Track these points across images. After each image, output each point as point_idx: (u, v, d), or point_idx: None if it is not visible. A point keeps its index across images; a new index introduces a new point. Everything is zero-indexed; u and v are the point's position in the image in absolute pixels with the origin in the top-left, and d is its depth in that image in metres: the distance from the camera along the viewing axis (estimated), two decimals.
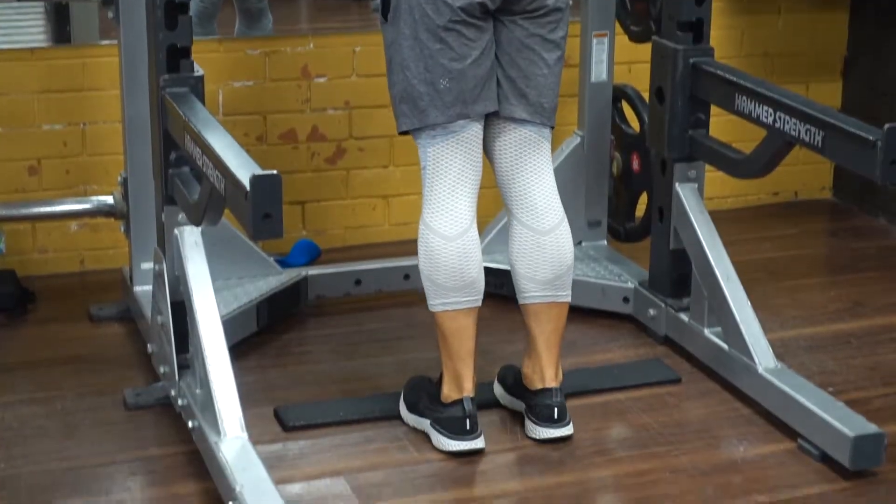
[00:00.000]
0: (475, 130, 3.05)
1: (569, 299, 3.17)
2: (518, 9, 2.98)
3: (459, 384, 3.08)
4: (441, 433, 3.09)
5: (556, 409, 3.13)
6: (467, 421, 3.07)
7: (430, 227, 3.05)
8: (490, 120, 3.09)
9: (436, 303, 3.07)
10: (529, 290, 3.14)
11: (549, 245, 3.12)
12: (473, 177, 3.07)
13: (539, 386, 3.15)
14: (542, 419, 3.13)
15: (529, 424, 3.16)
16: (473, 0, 2.90)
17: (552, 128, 3.14)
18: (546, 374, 3.14)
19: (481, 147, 3.09)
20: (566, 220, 3.15)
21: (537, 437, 3.14)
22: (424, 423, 3.15)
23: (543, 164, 3.15)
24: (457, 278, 3.04)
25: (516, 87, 3.05)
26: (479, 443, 3.07)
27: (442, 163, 3.04)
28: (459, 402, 3.07)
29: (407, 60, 2.97)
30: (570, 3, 3.07)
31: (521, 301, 3.17)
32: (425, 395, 3.18)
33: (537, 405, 3.15)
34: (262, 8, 4.44)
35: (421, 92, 2.98)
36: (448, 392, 3.09)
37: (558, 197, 3.16)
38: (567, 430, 3.14)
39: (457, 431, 3.07)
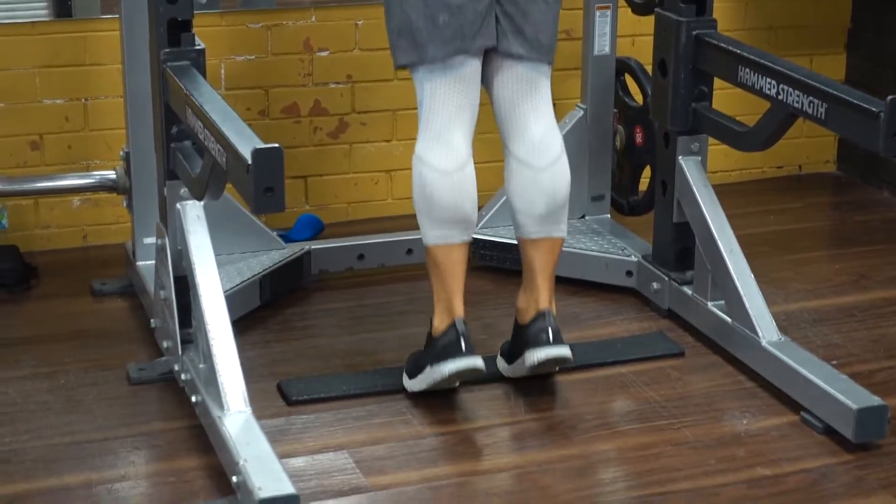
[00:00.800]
0: (474, 66, 3.06)
1: (564, 234, 3.19)
2: None
3: (450, 310, 3.08)
4: (436, 363, 3.06)
5: (550, 330, 3.12)
6: (462, 340, 3.04)
7: (425, 161, 3.06)
8: (489, 56, 3.09)
9: (430, 235, 3.08)
10: (526, 224, 3.16)
11: (545, 181, 3.14)
12: (471, 113, 3.09)
13: (533, 314, 3.14)
14: (538, 342, 3.11)
15: (526, 354, 3.12)
16: None
17: (550, 64, 3.14)
18: (541, 298, 3.14)
19: (479, 84, 3.10)
20: (565, 156, 3.17)
21: (534, 362, 3.11)
22: (425, 373, 3.12)
23: (541, 100, 3.16)
24: (452, 212, 3.05)
25: (514, 23, 3.05)
26: (477, 361, 3.04)
27: (439, 98, 3.05)
28: (451, 325, 3.06)
29: None
30: None
31: (517, 235, 3.20)
32: (422, 356, 3.18)
33: (532, 332, 3.12)
34: None
35: (419, 27, 2.99)
36: (439, 323, 3.09)
37: (558, 133, 3.18)
38: (563, 351, 3.11)
39: (452, 353, 3.04)
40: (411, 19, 3.00)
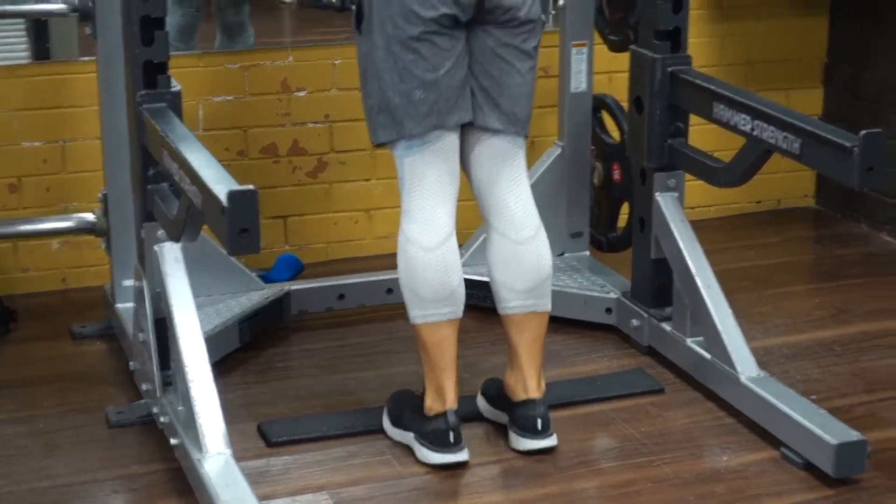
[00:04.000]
0: (451, 140, 3.05)
1: (549, 308, 3.17)
2: (490, 20, 2.97)
3: (442, 396, 3.08)
4: (425, 446, 3.09)
5: (539, 420, 3.13)
6: (451, 433, 3.07)
7: (410, 239, 3.05)
8: (465, 130, 3.08)
9: (416, 314, 3.06)
10: (509, 299, 3.14)
11: (528, 254, 3.12)
12: (451, 187, 3.07)
13: (522, 397, 3.15)
14: (526, 430, 3.14)
15: (513, 436, 3.16)
16: (444, 11, 2.90)
17: (526, 137, 3.14)
18: (529, 384, 3.14)
19: (458, 157, 3.09)
20: (543, 229, 3.16)
21: (521, 449, 3.14)
22: (408, 437, 3.15)
23: (519, 174, 3.15)
24: (437, 289, 3.04)
25: (490, 97, 3.05)
26: (462, 455, 3.07)
27: (419, 173, 3.04)
28: (443, 414, 3.07)
29: (381, 71, 2.98)
30: (543, 17, 3.07)
31: (501, 311, 3.17)
32: (408, 408, 3.18)
33: (520, 416, 3.15)
34: (242, 22, 4.43)
35: (396, 103, 2.98)
36: (431, 404, 3.09)
37: (535, 206, 3.16)
38: (551, 442, 3.15)
39: (440, 444, 3.07)
40: (388, 96, 2.99)
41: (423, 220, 3.05)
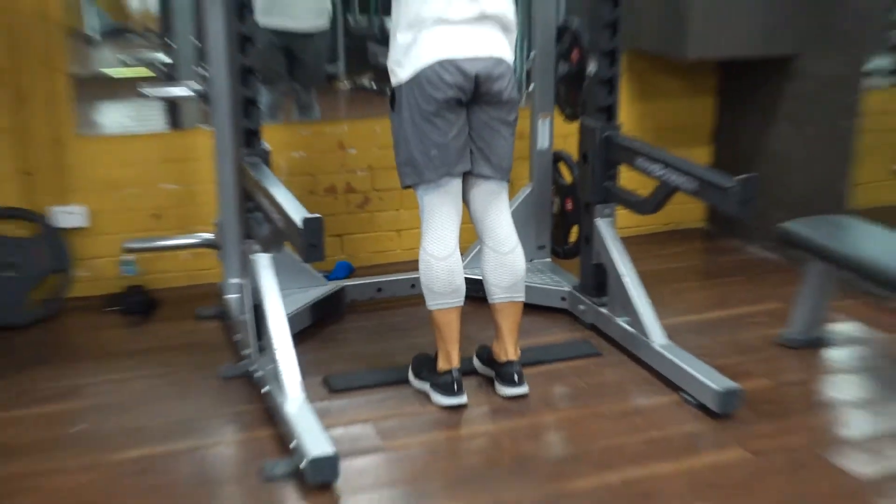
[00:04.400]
0: (456, 184, 3.05)
1: (523, 299, 3.17)
2: (483, 100, 2.97)
3: (449, 359, 3.08)
4: (437, 393, 3.10)
5: (516, 375, 3.14)
6: (455, 384, 3.07)
7: (427, 251, 3.05)
8: (466, 176, 3.08)
9: (432, 304, 3.06)
10: (496, 293, 3.14)
11: (509, 263, 3.11)
12: (456, 216, 3.07)
13: (504, 359, 3.16)
14: (507, 382, 3.14)
15: (498, 386, 3.16)
16: (452, 95, 2.90)
17: (508, 181, 3.14)
18: (508, 350, 3.15)
19: (461, 195, 3.08)
20: (520, 244, 3.15)
21: (503, 395, 3.15)
22: (426, 386, 3.15)
23: (503, 206, 3.14)
24: (446, 286, 3.03)
25: (483, 154, 3.04)
26: (463, 399, 3.08)
27: (433, 207, 3.03)
28: (449, 371, 3.08)
29: (408, 137, 2.97)
30: (519, 97, 3.07)
31: (490, 301, 3.16)
32: (426, 367, 3.18)
33: (503, 373, 3.15)
34: (312, 101, 4.45)
35: (418, 159, 2.97)
36: (441, 365, 3.10)
37: (514, 229, 3.15)
38: (524, 390, 3.15)
39: (448, 391, 3.08)
40: (413, 154, 2.97)
41: (437, 239, 3.04)
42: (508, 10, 2.98)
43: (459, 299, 3.07)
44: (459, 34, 2.90)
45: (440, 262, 3.02)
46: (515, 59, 3.07)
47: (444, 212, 3.03)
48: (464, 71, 2.89)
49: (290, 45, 4.28)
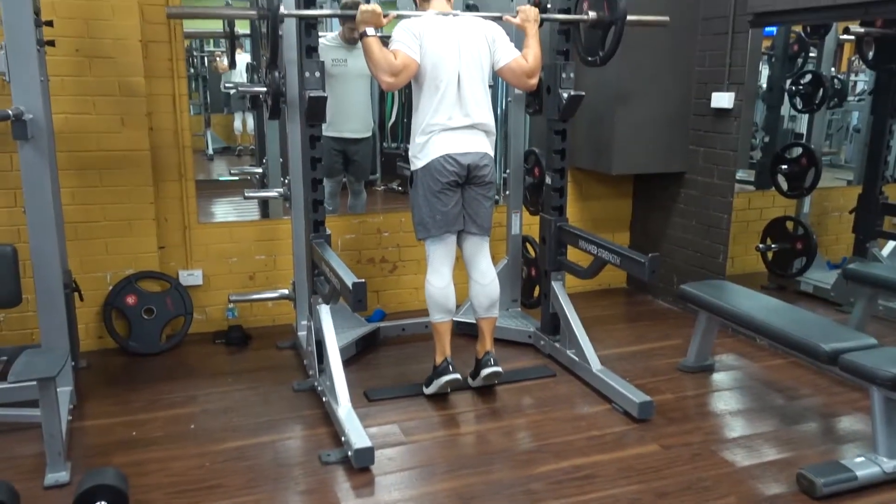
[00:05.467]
0: (453, 238, 3.06)
1: (496, 315, 3.15)
2: (472, 182, 3.01)
3: (443, 353, 3.05)
4: (436, 377, 3.04)
5: (491, 359, 3.10)
6: (449, 366, 3.03)
7: (430, 282, 3.05)
8: (460, 233, 3.09)
9: (432, 318, 3.06)
10: (480, 312, 3.14)
11: (488, 291, 3.12)
12: (451, 259, 3.07)
13: (483, 352, 3.12)
14: (487, 365, 3.09)
15: (481, 371, 3.10)
16: (452, 179, 2.94)
17: (489, 236, 3.15)
18: (486, 344, 3.12)
19: (455, 245, 3.09)
20: (497, 279, 3.15)
21: (485, 373, 3.08)
22: (432, 385, 3.07)
23: (485, 252, 3.15)
24: (442, 307, 3.04)
25: (472, 218, 3.06)
26: (457, 375, 3.02)
27: (436, 253, 3.04)
28: (445, 360, 3.04)
29: (421, 205, 3.00)
30: (497, 183, 3.11)
31: (475, 317, 3.16)
32: (431, 377, 3.12)
33: (483, 360, 3.11)
34: (362, 190, 4.43)
35: (427, 221, 2.99)
36: (438, 357, 3.06)
37: (493, 267, 3.16)
38: (498, 369, 3.09)
39: (445, 373, 3.03)
40: (424, 218, 3.00)
41: (437, 274, 3.04)
42: (490, 121, 3.03)
43: (451, 316, 3.08)
44: (457, 137, 2.95)
45: (438, 290, 3.03)
46: (495, 155, 3.10)
47: (442, 255, 3.04)
48: (460, 162, 2.94)
49: (345, 149, 4.29)
